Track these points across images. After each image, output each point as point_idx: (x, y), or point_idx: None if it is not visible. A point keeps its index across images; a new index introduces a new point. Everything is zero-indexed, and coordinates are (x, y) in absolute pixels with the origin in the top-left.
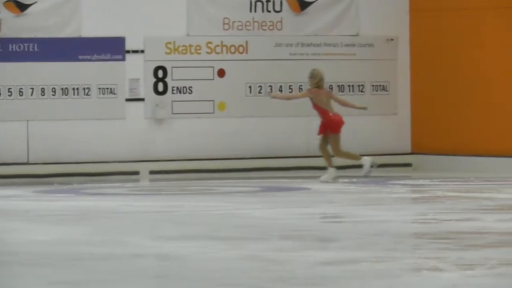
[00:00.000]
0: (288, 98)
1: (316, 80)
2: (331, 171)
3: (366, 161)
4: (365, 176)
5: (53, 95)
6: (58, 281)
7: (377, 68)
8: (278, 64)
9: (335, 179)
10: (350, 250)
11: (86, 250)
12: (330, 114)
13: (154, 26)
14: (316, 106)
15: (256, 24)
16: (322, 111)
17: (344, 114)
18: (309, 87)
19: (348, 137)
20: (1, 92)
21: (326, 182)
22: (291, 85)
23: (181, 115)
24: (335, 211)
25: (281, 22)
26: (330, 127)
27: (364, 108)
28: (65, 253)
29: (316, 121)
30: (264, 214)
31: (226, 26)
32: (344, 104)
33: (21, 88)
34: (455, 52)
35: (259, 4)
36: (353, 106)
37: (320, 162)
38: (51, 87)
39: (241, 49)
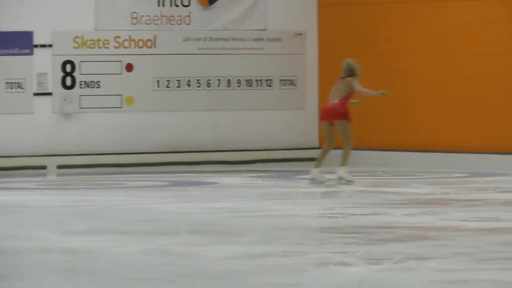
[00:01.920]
0: None
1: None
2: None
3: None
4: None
5: None
6: None
7: (285, 62)
8: (186, 59)
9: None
10: (258, 244)
11: None
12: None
13: (62, 20)
14: None
15: (164, 18)
16: None
17: (251, 109)
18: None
19: (255, 131)
20: None
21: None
22: (199, 80)
23: (89, 109)
24: (243, 205)
25: (189, 16)
26: None
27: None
28: None
29: (223, 116)
30: (173, 209)
31: (134, 21)
32: (361, 93)
33: None
34: (364, 46)
35: None
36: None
37: (228, 156)
38: None
39: (149, 43)
